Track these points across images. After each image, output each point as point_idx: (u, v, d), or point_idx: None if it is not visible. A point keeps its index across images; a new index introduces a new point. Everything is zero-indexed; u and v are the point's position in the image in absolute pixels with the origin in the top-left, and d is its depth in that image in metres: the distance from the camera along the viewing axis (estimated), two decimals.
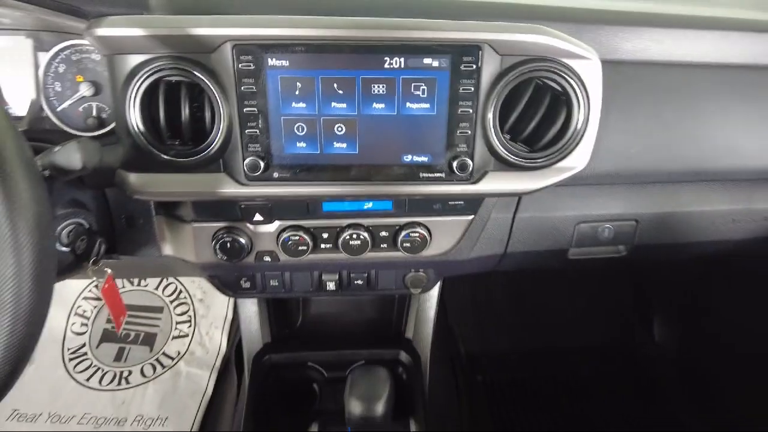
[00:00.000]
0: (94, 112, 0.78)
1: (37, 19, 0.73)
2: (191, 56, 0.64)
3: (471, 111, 0.67)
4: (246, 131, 0.67)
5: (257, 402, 0.95)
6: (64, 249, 0.70)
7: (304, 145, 0.68)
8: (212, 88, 0.64)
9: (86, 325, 1.55)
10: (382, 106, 0.67)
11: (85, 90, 0.76)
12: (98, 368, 1.47)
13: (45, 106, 0.76)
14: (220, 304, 1.61)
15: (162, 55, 0.64)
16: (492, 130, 0.67)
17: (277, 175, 0.69)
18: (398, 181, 0.71)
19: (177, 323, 1.58)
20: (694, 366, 1.54)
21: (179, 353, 1.51)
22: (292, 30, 0.63)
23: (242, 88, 0.65)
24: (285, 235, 0.79)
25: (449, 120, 0.68)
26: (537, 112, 0.68)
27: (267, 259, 0.82)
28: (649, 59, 0.75)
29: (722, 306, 1.42)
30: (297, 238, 0.79)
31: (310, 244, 0.80)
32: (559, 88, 0.67)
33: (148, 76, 0.63)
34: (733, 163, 0.81)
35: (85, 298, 1.59)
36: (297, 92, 0.65)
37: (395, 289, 0.92)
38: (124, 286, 1.64)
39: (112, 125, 0.74)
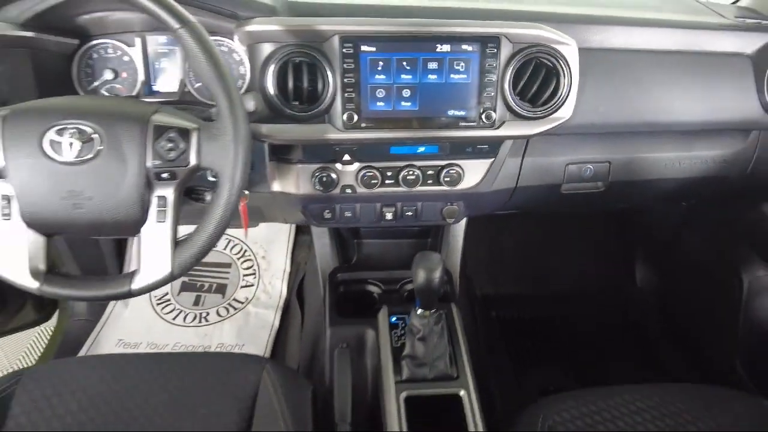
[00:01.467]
0: None
1: None
2: (310, 44, 0.86)
3: (494, 79, 0.92)
4: (345, 94, 0.90)
5: (334, 302, 1.25)
6: None
7: (382, 104, 0.92)
8: (324, 65, 0.87)
9: None
10: (434, 77, 0.91)
11: None
12: (181, 311, 1.73)
13: (188, 84, 0.99)
14: (279, 260, 1.87)
15: (290, 44, 0.86)
16: (508, 92, 0.92)
17: (364, 125, 0.92)
18: (444, 129, 0.94)
19: (244, 275, 1.84)
20: (670, 306, 1.78)
21: (247, 298, 1.77)
22: (378, 27, 0.87)
23: (344, 65, 0.88)
24: (362, 172, 1.02)
25: (479, 86, 0.92)
26: (537, 80, 0.92)
27: (348, 191, 1.04)
28: (611, 47, 1.01)
29: (694, 251, 1.66)
30: (371, 174, 1.02)
31: (380, 178, 1.02)
32: (551, 64, 0.92)
33: (281, 58, 0.86)
34: (669, 117, 1.07)
35: None
36: (379, 68, 0.90)
37: (434, 220, 1.15)
38: None
39: None
